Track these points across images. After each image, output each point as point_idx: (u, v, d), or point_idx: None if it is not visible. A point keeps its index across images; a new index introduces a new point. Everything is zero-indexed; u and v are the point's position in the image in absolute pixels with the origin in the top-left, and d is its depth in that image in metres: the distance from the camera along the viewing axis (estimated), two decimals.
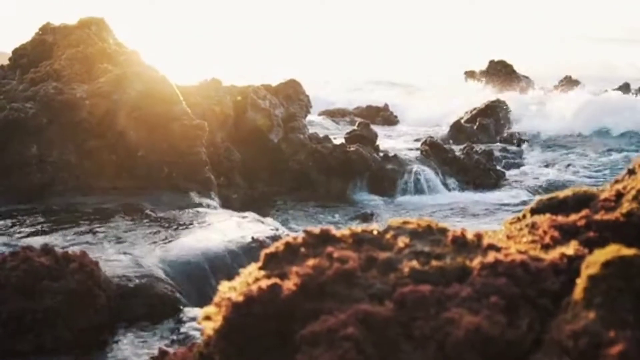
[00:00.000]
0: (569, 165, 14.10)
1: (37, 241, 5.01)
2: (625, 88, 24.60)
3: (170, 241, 5.40)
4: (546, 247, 1.55)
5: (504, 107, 17.41)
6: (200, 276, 4.73)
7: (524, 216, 1.84)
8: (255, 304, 1.33)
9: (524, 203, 10.70)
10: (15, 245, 4.76)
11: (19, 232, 5.62)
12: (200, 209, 6.89)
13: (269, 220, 6.73)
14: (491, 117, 16.70)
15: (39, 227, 5.77)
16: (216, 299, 1.42)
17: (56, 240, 5.26)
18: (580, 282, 1.21)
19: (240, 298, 1.35)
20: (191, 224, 6.08)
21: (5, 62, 9.19)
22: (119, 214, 6.31)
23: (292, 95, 11.93)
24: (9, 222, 5.93)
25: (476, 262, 1.39)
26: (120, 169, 7.76)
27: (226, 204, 8.21)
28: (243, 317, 1.34)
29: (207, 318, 1.43)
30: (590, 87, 24.69)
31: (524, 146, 15.55)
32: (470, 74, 25.04)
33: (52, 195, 7.07)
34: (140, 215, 6.29)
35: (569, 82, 25.32)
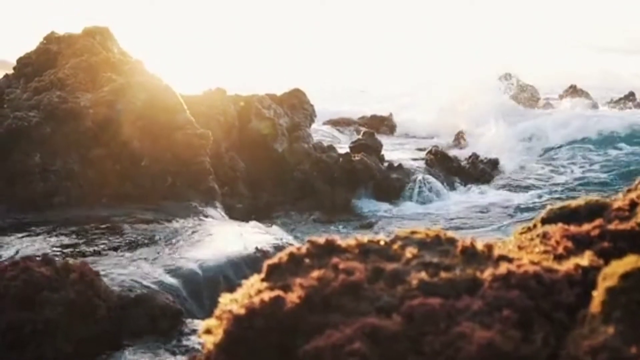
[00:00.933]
0: (564, 167, 14.17)
1: (38, 251, 4.97)
2: (630, 97, 24.54)
3: (172, 252, 5.35)
4: (559, 258, 1.50)
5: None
6: (204, 287, 4.68)
7: (535, 226, 1.79)
8: (257, 317, 1.28)
9: (533, 204, 10.80)
10: (16, 254, 4.73)
11: (21, 243, 5.58)
12: (203, 219, 6.85)
13: (273, 230, 6.68)
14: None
15: (40, 237, 5.74)
16: (217, 311, 1.38)
17: (57, 250, 5.22)
18: (598, 295, 1.16)
19: (242, 311, 1.30)
20: (194, 234, 6.03)
21: (10, 71, 9.19)
22: (121, 224, 6.27)
23: (296, 105, 11.91)
24: (11, 232, 5.90)
25: (487, 273, 1.34)
26: (123, 179, 7.73)
27: (230, 214, 8.17)
28: (244, 331, 1.29)
29: (208, 331, 1.39)
30: (596, 97, 24.65)
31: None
32: None
33: (55, 204, 7.04)
34: (143, 225, 6.25)
35: (573, 92, 25.25)
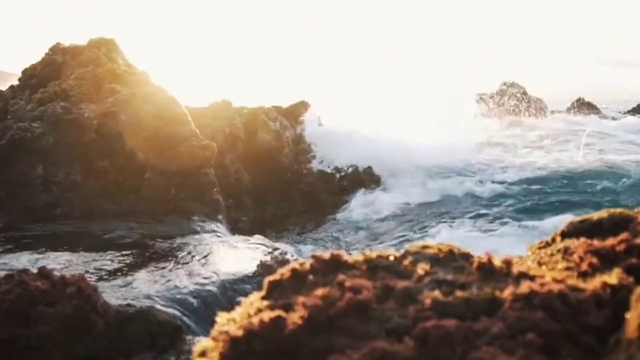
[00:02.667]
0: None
1: (36, 264, 4.88)
2: (638, 109, 24.46)
3: (174, 266, 5.25)
4: (584, 275, 1.39)
5: None
6: (204, 304, 4.56)
7: (554, 240, 1.68)
8: (256, 339, 1.17)
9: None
10: (14, 266, 4.64)
11: (19, 254, 5.50)
12: (207, 233, 6.75)
13: (277, 244, 6.57)
14: None
15: (40, 249, 5.65)
16: (213, 332, 1.27)
17: (56, 263, 5.13)
18: (633, 318, 1.04)
19: (240, 332, 1.20)
20: (197, 248, 5.93)
21: (16, 82, 9.15)
22: (123, 237, 6.18)
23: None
24: (10, 243, 5.82)
25: (507, 292, 1.23)
26: (127, 191, 7.65)
27: (235, 227, 8.07)
28: (242, 354, 1.18)
29: (203, 354, 1.28)
30: (604, 109, 24.58)
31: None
32: (481, 97, 24.88)
33: (57, 216, 6.96)
34: (144, 239, 6.16)
35: (581, 104, 25.17)
